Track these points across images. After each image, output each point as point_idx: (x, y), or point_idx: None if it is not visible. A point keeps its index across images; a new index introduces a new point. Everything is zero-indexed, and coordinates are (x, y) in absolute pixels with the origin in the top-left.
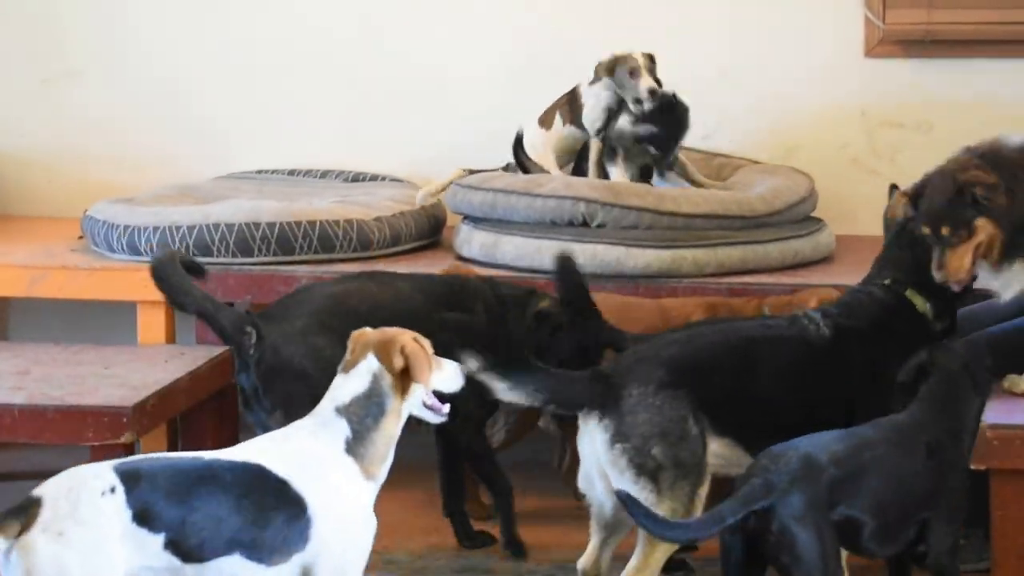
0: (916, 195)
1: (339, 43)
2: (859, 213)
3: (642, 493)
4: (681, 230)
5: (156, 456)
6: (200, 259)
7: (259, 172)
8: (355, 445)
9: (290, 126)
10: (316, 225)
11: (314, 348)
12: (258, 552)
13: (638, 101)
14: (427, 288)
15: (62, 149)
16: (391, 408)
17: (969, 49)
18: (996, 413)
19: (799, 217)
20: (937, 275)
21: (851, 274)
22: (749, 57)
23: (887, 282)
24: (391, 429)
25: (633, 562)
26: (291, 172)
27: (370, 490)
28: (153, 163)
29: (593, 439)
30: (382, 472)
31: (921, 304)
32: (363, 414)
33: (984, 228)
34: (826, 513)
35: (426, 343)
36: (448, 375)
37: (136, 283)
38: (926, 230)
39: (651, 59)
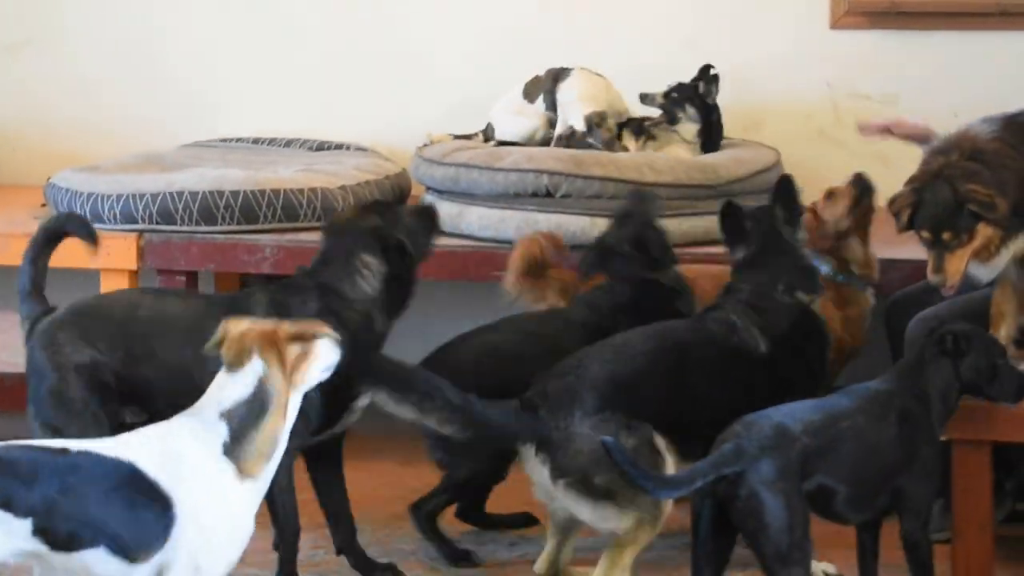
0: (917, 202)
1: (306, 9)
2: (825, 184)
3: (604, 513)
4: None
5: (21, 444)
6: (163, 227)
7: (224, 140)
8: (233, 447)
9: (255, 94)
10: (280, 194)
11: None
12: (122, 547)
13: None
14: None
15: (25, 117)
16: (275, 406)
17: (934, 21)
18: None
19: (765, 187)
20: (934, 278)
21: None
22: (713, 28)
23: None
24: (275, 426)
25: (601, 565)
26: (256, 140)
27: (249, 491)
28: (118, 132)
29: (536, 471)
30: (265, 470)
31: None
32: (245, 416)
33: (983, 232)
34: (796, 482)
35: (305, 329)
36: (328, 356)
37: (99, 251)
38: (926, 235)
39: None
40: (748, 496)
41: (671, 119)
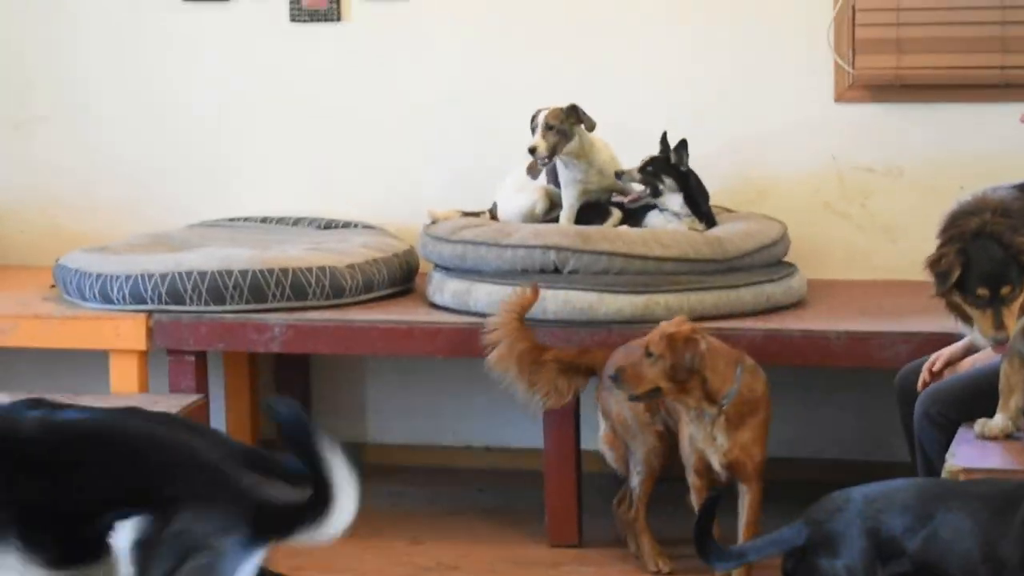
0: (966, 261)
1: (312, 88)
2: (831, 257)
3: None
4: (653, 275)
5: None
6: (172, 307)
7: (232, 220)
8: None
9: (262, 173)
10: (289, 272)
11: None
12: None
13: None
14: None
15: (33, 197)
16: None
17: (938, 94)
18: (967, 456)
19: (771, 261)
20: (994, 335)
21: (822, 319)
22: (720, 102)
23: None
24: None
25: None
26: (264, 220)
27: None
28: (125, 212)
29: None
30: None
31: None
32: None
33: None
34: (867, 564)
35: None
36: None
37: (108, 332)
38: (983, 292)
39: (558, 112)
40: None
41: (654, 192)
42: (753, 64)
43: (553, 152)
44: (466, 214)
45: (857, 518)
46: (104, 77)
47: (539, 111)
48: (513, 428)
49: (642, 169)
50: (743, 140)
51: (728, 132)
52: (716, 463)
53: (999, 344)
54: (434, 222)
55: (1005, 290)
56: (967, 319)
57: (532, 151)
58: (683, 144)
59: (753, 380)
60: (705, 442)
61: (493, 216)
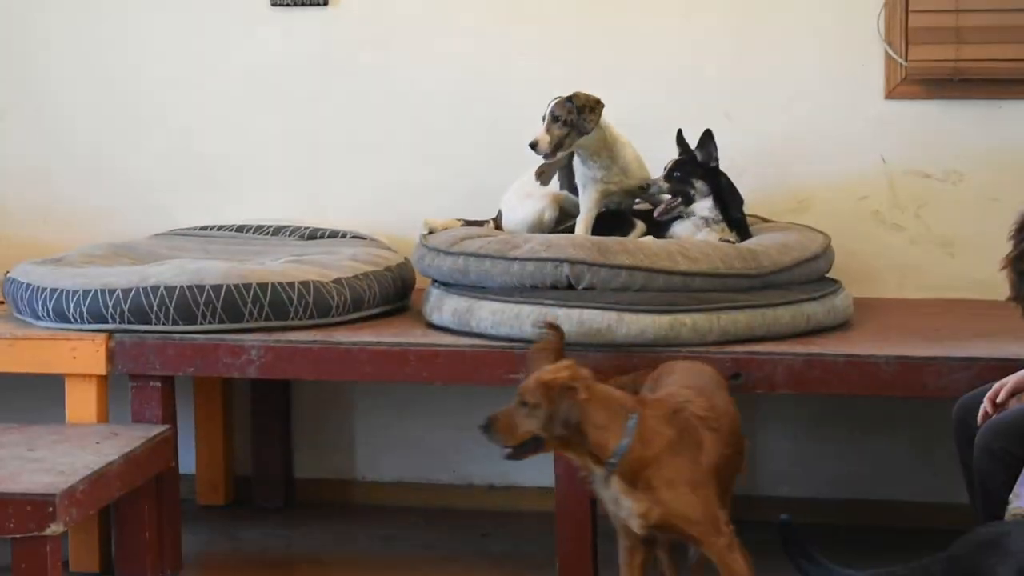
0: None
1: (294, 82)
2: (880, 273)
3: None
4: (679, 291)
5: None
6: (136, 327)
7: (204, 229)
8: None
9: (239, 176)
10: (268, 288)
11: None
12: None
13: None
14: None
15: None
16: None
17: (1002, 89)
18: None
19: (813, 277)
20: None
21: (870, 342)
22: (755, 99)
23: None
24: None
25: None
26: (240, 228)
27: None
28: (83, 219)
29: None
30: None
31: None
32: None
33: None
34: None
35: None
36: None
37: (64, 354)
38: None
39: (564, 103)
40: None
41: (686, 200)
42: (792, 56)
43: (558, 148)
44: (468, 223)
45: (1010, 557)
46: (64, 67)
47: (553, 100)
48: (520, 464)
49: (668, 176)
50: (781, 142)
51: (764, 133)
52: (637, 528)
53: None
54: (431, 232)
55: None
56: None
57: (533, 146)
58: (708, 136)
59: (651, 433)
60: (611, 505)
61: (497, 226)
